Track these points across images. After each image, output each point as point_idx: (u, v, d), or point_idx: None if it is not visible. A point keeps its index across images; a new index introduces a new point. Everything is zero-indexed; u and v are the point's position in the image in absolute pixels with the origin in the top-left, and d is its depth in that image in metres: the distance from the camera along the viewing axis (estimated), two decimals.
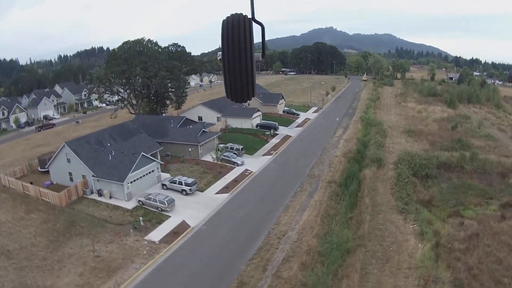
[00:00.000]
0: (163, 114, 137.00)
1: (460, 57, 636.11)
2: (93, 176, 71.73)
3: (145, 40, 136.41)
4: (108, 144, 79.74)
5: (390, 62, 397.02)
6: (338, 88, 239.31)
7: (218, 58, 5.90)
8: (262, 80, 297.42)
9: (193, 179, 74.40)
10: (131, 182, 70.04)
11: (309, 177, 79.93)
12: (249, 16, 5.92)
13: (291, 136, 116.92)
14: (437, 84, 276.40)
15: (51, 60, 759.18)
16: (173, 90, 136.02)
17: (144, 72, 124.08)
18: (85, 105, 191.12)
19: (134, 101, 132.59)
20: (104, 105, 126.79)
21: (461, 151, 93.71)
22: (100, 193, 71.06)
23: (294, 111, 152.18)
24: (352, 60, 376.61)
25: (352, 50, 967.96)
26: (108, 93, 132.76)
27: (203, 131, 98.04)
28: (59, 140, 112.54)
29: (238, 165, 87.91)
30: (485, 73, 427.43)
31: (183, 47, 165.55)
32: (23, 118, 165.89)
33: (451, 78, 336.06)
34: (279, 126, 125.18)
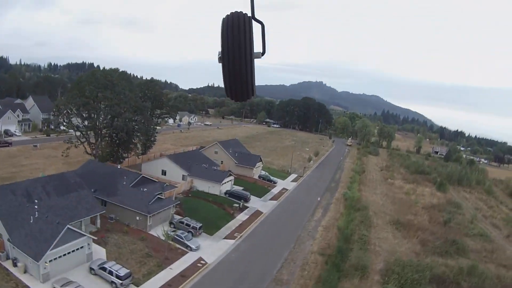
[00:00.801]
0: (125, 159, 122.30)
1: (445, 128, 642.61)
2: (8, 240, 56.56)
3: (118, 72, 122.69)
4: (36, 200, 62.42)
5: (376, 124, 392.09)
6: (321, 152, 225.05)
7: (218, 56, 5.92)
8: (244, 130, 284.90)
9: (128, 271, 56.98)
10: (50, 261, 54.14)
11: (274, 283, 63.77)
12: (249, 14, 5.91)
13: (262, 213, 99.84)
14: (424, 158, 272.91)
15: (40, 66, 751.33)
16: (138, 134, 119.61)
17: (108, 110, 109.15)
18: (52, 125, 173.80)
19: (93, 140, 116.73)
20: (72, 131, 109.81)
21: (457, 258, 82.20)
22: (15, 263, 55.79)
23: (271, 178, 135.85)
24: (339, 121, 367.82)
25: (339, 107, 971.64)
26: (64, 124, 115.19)
27: (158, 197, 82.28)
28: (4, 167, 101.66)
29: (191, 250, 71.28)
30: (469, 148, 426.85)
31: (158, 85, 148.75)
32: None
33: (436, 152, 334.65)
34: (251, 196, 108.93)
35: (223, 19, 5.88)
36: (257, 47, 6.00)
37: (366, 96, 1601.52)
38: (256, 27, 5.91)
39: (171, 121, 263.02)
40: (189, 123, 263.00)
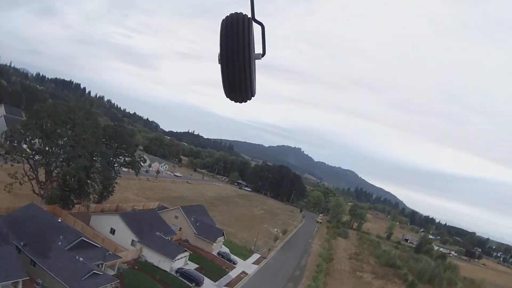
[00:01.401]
0: (76, 205, 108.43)
1: (416, 212, 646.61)
2: None
3: (84, 110, 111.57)
4: None
5: (348, 200, 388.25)
6: (289, 227, 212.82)
7: (218, 58, 5.90)
8: (214, 188, 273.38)
9: None
10: None
11: None
12: (249, 15, 5.86)
13: None
14: (394, 246, 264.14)
15: (28, 73, 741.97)
16: (93, 183, 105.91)
17: (63, 151, 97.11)
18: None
19: (44, 178, 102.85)
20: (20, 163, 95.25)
21: None
22: None
23: (231, 257, 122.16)
24: (313, 195, 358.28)
25: (313, 177, 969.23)
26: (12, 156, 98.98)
27: (95, 273, 69.52)
28: None
29: None
30: (439, 237, 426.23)
31: (126, 132, 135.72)
32: None
33: (406, 240, 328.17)
34: (205, 279, 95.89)
35: (223, 20, 5.82)
36: (257, 48, 6.00)
37: (342, 170, 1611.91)
38: (256, 28, 5.86)
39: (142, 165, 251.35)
40: (158, 172, 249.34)
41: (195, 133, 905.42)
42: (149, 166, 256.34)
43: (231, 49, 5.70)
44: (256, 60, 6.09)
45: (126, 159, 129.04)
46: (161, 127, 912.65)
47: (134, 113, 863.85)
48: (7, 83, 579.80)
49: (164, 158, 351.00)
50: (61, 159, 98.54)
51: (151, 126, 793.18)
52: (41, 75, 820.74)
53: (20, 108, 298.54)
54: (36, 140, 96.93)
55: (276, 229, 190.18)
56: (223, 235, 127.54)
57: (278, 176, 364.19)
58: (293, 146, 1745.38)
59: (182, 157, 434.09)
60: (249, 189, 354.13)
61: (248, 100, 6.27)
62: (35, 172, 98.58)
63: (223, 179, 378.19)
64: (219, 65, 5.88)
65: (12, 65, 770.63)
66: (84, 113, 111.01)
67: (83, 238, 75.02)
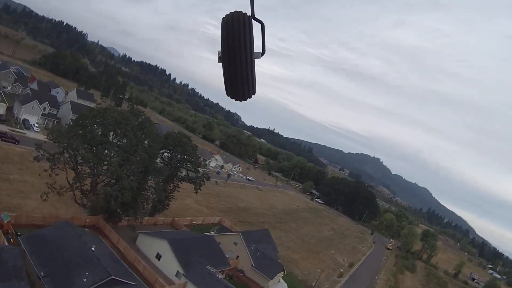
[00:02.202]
0: (123, 222, 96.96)
1: (486, 244, 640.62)
2: None
3: (141, 117, 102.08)
4: None
5: (419, 222, 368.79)
6: (357, 255, 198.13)
7: (218, 56, 5.99)
8: (285, 198, 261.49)
9: None
10: None
11: None
12: (249, 14, 5.95)
13: None
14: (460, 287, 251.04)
15: (114, 54, 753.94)
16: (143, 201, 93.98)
17: (108, 169, 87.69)
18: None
19: (88, 187, 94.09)
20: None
21: None
22: None
23: None
24: (385, 218, 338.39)
25: (387, 191, 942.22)
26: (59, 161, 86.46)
27: None
28: None
29: None
30: (505, 277, 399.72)
31: (187, 141, 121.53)
32: None
33: (473, 279, 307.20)
34: None
35: (223, 18, 5.89)
36: (257, 48, 6.03)
37: (417, 186, 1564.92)
38: (256, 27, 5.91)
39: (213, 163, 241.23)
40: (229, 175, 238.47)
41: (275, 131, 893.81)
42: (221, 167, 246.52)
43: (232, 48, 5.76)
44: (256, 59, 6.04)
45: (189, 173, 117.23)
46: (242, 120, 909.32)
47: (217, 103, 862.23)
48: (92, 62, 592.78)
49: (240, 157, 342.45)
50: (106, 177, 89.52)
51: (232, 119, 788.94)
52: (127, 56, 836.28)
53: (99, 90, 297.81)
54: (81, 149, 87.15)
55: (343, 259, 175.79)
56: (283, 270, 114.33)
57: (353, 192, 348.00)
58: (372, 155, 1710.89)
59: (259, 155, 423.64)
60: (321, 202, 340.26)
61: (248, 99, 6.29)
62: (79, 182, 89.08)
63: (296, 186, 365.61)
64: (220, 63, 5.95)
65: (100, 44, 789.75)
66: (141, 122, 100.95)
67: (114, 277, 63.26)
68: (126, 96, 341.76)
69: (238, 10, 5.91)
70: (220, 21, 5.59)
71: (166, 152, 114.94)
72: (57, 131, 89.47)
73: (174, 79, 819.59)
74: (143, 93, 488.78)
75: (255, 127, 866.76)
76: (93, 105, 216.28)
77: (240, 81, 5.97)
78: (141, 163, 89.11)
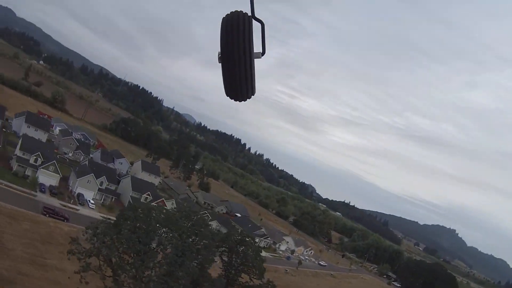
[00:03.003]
0: None
1: None
2: None
3: (188, 213, 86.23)
4: None
5: None
6: None
7: (218, 56, 5.97)
8: (360, 286, 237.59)
9: None
10: None
11: None
12: (249, 13, 5.93)
13: None
14: None
15: (189, 121, 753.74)
16: None
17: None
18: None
19: None
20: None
21: None
22: None
23: None
24: None
25: (464, 264, 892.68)
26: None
27: None
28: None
29: None
30: None
31: (249, 244, 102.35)
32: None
33: None
34: None
35: (223, 18, 5.90)
36: (257, 48, 6.02)
37: (493, 258, 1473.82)
38: (256, 27, 5.87)
39: (283, 247, 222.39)
40: (300, 262, 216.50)
41: (350, 204, 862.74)
42: (292, 252, 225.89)
43: (231, 48, 5.73)
44: (256, 59, 6.01)
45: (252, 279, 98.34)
46: (317, 192, 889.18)
47: (292, 175, 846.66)
48: (166, 129, 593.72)
49: (313, 235, 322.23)
50: None
51: (306, 191, 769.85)
52: (202, 124, 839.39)
53: (170, 159, 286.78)
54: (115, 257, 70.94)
55: None
56: None
57: (431, 275, 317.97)
58: (448, 226, 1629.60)
59: (333, 232, 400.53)
60: (398, 285, 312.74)
61: (248, 99, 6.26)
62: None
63: (371, 268, 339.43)
64: (220, 63, 5.94)
65: (175, 110, 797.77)
66: (194, 223, 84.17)
67: None
68: (197, 167, 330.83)
69: (238, 10, 5.88)
70: None
71: (224, 254, 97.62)
72: (94, 227, 73.59)
73: (249, 148, 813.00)
74: (216, 163, 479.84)
75: (330, 199, 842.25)
76: (158, 179, 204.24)
77: (240, 81, 5.91)
78: (190, 276, 71.68)
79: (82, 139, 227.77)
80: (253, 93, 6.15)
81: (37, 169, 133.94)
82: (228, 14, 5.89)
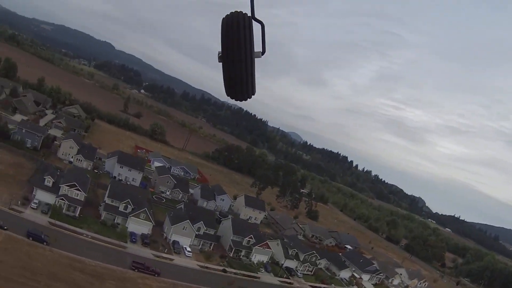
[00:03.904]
0: None
1: None
2: None
3: None
4: None
5: None
6: None
7: (218, 56, 6.11)
8: None
9: None
10: None
11: None
12: (249, 14, 6.00)
13: None
14: None
15: (295, 140, 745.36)
16: None
17: None
18: None
19: None
20: None
21: None
22: None
23: None
24: None
25: None
26: None
27: None
28: None
29: None
30: None
31: None
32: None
33: None
34: None
35: (223, 19, 5.98)
36: (257, 47, 6.07)
37: None
38: (256, 27, 5.94)
39: (396, 281, 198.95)
40: None
41: (460, 218, 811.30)
42: (406, 287, 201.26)
43: (232, 48, 5.84)
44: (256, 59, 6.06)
45: None
46: (427, 205, 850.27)
47: (401, 190, 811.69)
48: (271, 150, 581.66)
49: (426, 260, 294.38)
50: None
51: (416, 206, 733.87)
52: (308, 143, 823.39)
53: (277, 185, 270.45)
54: None
55: None
56: None
57: None
58: None
59: (447, 254, 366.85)
60: None
61: (248, 99, 6.40)
62: None
63: None
64: (220, 63, 6.04)
65: (280, 129, 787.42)
66: None
67: None
68: (305, 191, 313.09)
69: (238, 10, 5.94)
70: None
71: None
72: None
73: (357, 166, 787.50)
74: (324, 184, 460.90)
75: (440, 214, 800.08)
76: (262, 215, 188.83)
77: (240, 81, 6.01)
78: None
79: (182, 173, 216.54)
80: (253, 93, 6.25)
81: (127, 217, 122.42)
82: (228, 14, 5.94)
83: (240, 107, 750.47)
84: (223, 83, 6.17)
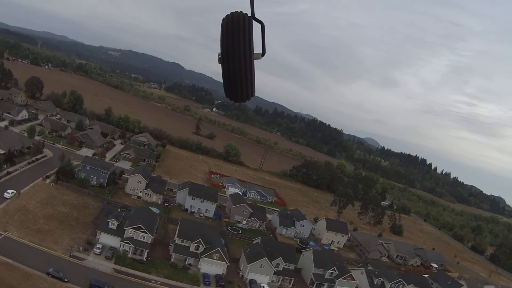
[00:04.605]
0: None
1: None
2: None
3: None
4: None
5: None
6: None
7: (218, 57, 6.07)
8: None
9: None
10: None
11: None
12: (249, 14, 6.02)
13: None
14: None
15: (372, 147, 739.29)
16: None
17: None
18: None
19: None
20: None
21: None
22: None
23: None
24: None
25: None
26: None
27: None
28: None
29: None
30: None
31: None
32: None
33: None
34: None
35: (223, 19, 5.98)
36: (257, 48, 6.10)
37: None
38: (256, 27, 5.98)
39: None
40: None
41: None
42: None
43: (231, 49, 5.81)
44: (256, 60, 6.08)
45: None
46: (507, 204, 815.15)
47: (481, 191, 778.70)
48: (349, 160, 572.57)
49: None
50: None
51: (497, 206, 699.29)
52: (386, 148, 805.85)
53: (359, 199, 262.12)
54: None
55: None
56: None
57: None
58: None
59: None
60: None
61: (247, 100, 6.45)
62: None
63: None
64: (220, 64, 6.01)
65: (356, 136, 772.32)
66: None
67: None
68: (386, 203, 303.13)
69: (238, 11, 5.95)
70: None
71: None
72: None
73: (435, 168, 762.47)
74: (404, 193, 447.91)
75: None
76: (345, 238, 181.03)
77: (240, 82, 6.00)
78: None
79: (258, 197, 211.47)
80: (252, 94, 6.28)
81: (199, 258, 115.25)
82: (228, 15, 5.93)
83: (314, 118, 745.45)
84: (223, 84, 6.12)
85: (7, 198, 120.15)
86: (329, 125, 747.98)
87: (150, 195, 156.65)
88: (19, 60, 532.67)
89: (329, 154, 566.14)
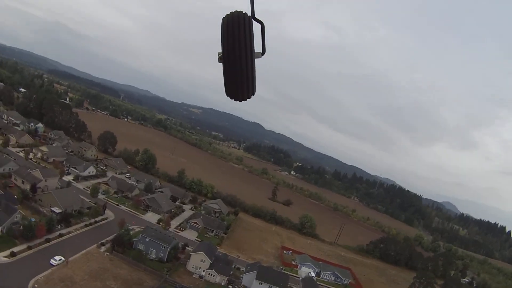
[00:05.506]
0: None
1: None
2: None
3: None
4: None
5: None
6: None
7: (218, 56, 6.18)
8: None
9: None
10: None
11: None
12: (249, 14, 6.10)
13: None
14: None
15: (454, 213, 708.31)
16: None
17: None
18: None
19: None
20: None
21: None
22: None
23: None
24: None
25: None
26: None
27: None
28: None
29: None
30: None
31: None
32: None
33: None
34: None
35: (223, 18, 6.05)
36: (257, 47, 6.21)
37: None
38: (256, 27, 6.08)
39: None
40: None
41: None
42: None
43: (232, 48, 5.92)
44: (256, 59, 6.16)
45: None
46: None
47: None
48: (426, 229, 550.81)
49: None
50: None
51: None
52: (464, 215, 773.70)
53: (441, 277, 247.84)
54: None
55: None
56: None
57: None
58: None
59: None
60: None
61: (248, 99, 6.46)
62: None
63: None
64: (221, 64, 6.10)
65: (435, 201, 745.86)
66: None
67: None
68: (466, 280, 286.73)
69: (238, 10, 6.00)
70: None
71: None
72: None
73: None
74: (484, 266, 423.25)
75: None
76: None
77: (240, 81, 6.07)
78: None
79: (333, 279, 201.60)
80: (253, 93, 6.26)
81: None
82: (228, 14, 6.00)
83: (393, 182, 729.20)
84: (223, 83, 6.17)
85: (53, 265, 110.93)
86: (408, 190, 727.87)
87: (214, 275, 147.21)
88: (99, 110, 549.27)
89: (406, 222, 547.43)
